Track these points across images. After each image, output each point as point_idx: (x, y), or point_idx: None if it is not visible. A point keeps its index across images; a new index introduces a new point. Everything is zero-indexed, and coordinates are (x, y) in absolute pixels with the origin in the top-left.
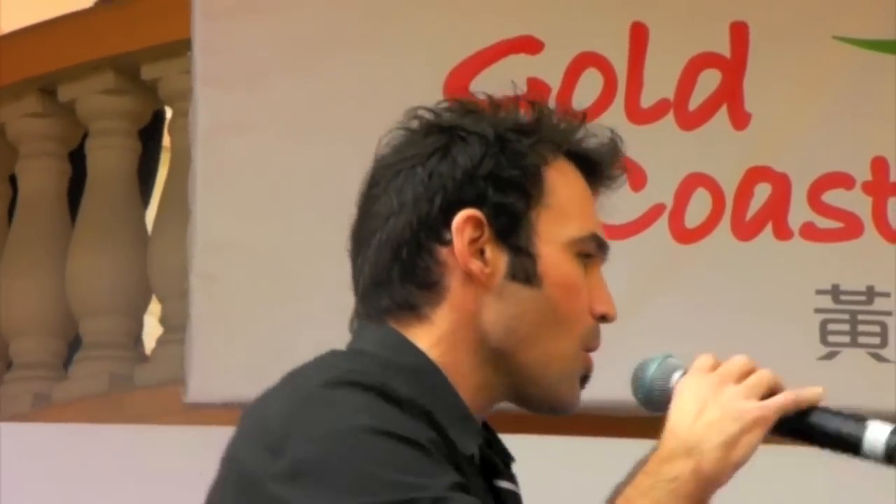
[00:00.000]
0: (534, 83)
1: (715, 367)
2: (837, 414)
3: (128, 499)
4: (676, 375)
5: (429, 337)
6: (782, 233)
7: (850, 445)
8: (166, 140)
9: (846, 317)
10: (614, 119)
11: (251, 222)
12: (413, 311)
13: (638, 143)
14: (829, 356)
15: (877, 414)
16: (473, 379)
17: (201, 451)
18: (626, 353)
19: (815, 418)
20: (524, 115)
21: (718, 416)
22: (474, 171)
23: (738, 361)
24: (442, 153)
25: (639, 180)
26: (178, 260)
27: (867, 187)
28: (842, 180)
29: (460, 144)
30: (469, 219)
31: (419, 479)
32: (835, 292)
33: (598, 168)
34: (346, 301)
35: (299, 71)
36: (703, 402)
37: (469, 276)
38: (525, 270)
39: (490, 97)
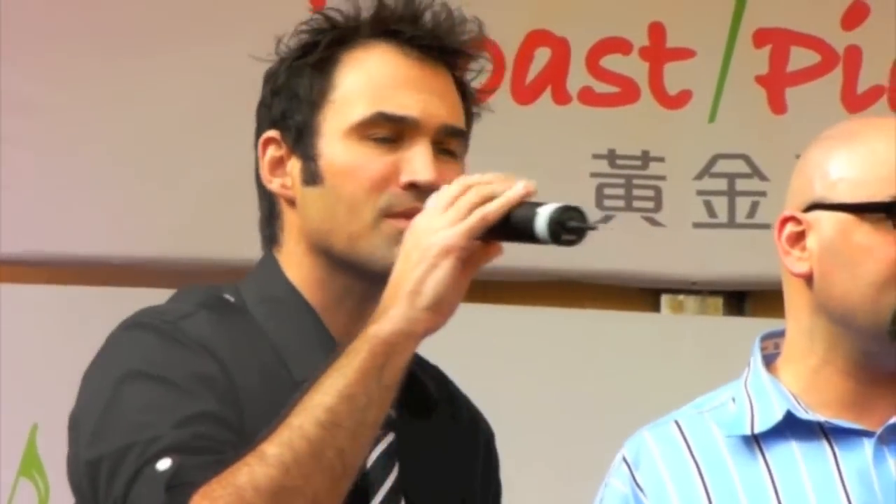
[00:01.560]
0: None
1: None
2: (525, 205)
3: None
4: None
5: (287, 261)
6: (561, 97)
7: (528, 233)
8: None
9: (621, 181)
10: None
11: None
12: (275, 241)
13: None
14: (605, 220)
15: (650, 278)
16: (328, 287)
17: None
18: None
19: (513, 218)
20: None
21: (407, 264)
22: (272, 94)
23: (448, 190)
24: (265, 83)
25: None
26: None
27: (644, 52)
28: (619, 45)
29: (270, 71)
30: (265, 142)
31: (147, 416)
32: (611, 157)
33: (401, 35)
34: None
35: None
36: (406, 249)
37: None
38: (311, 173)
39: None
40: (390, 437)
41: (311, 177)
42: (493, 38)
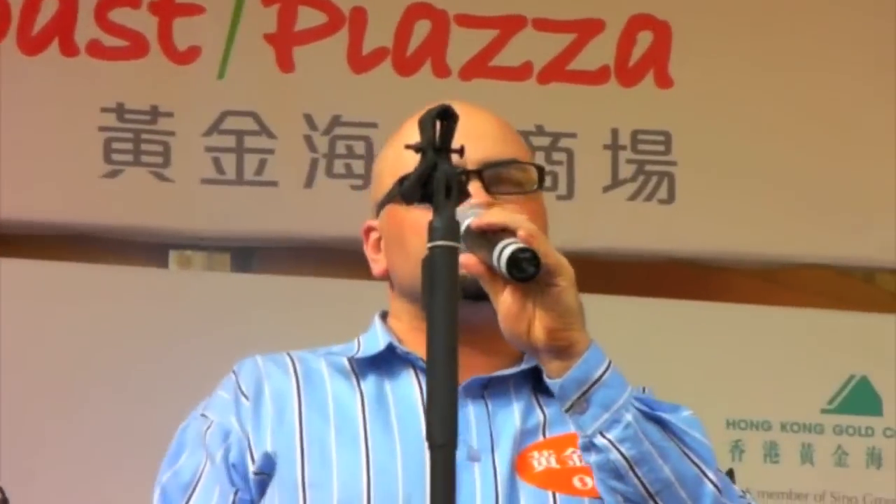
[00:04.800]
0: None
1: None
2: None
3: None
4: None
5: None
6: (68, 49)
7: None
8: None
9: (130, 136)
10: None
11: None
12: None
13: None
14: (113, 174)
15: (158, 233)
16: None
17: None
18: None
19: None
20: None
21: None
22: None
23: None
24: None
25: None
26: None
27: (153, 7)
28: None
29: None
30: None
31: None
32: (119, 111)
33: None
34: None
35: None
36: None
37: None
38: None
39: None
40: None
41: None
42: None
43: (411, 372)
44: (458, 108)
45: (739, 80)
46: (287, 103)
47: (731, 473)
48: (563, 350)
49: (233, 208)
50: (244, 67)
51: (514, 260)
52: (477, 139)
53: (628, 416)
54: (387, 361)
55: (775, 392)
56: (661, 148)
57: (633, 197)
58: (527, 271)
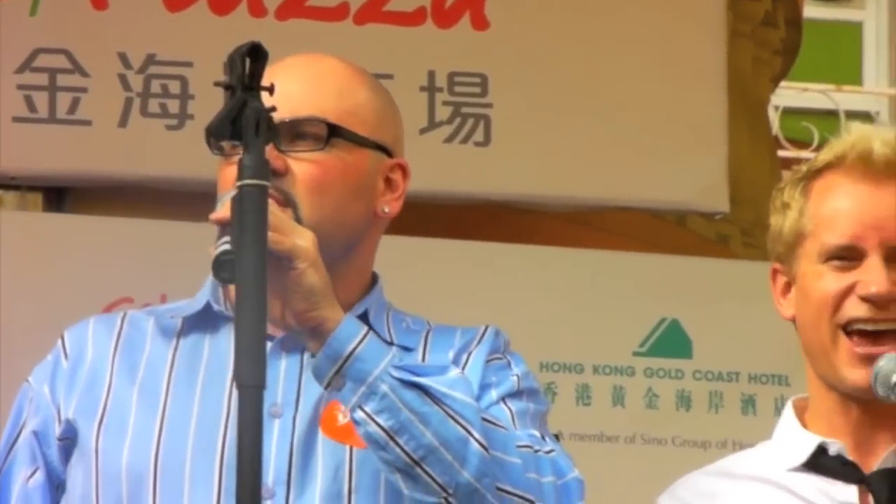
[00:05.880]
0: None
1: None
2: None
3: None
4: None
5: None
6: None
7: None
8: None
9: None
10: None
11: None
12: None
13: None
14: None
15: None
16: None
17: None
18: None
19: None
20: None
21: None
22: None
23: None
24: None
25: None
26: None
27: None
28: None
29: None
30: None
31: None
32: None
33: None
34: None
35: None
36: None
37: None
38: None
39: None
40: None
41: None
42: None
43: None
44: (279, 67)
45: (556, 22)
46: (101, 41)
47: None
48: (313, 330)
49: (45, 147)
50: (56, 4)
51: (216, 264)
52: (280, 95)
53: (384, 387)
54: (213, 318)
55: (588, 335)
56: (477, 90)
57: (449, 139)
58: (221, 277)
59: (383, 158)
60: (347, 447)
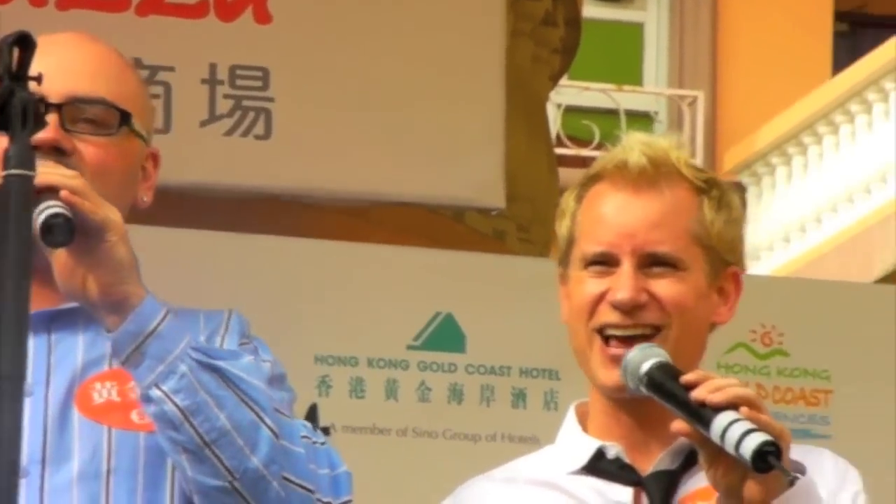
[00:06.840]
0: None
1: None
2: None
3: None
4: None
5: None
6: None
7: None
8: None
9: None
10: None
11: None
12: None
13: None
14: None
15: None
16: None
17: None
18: None
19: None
20: None
21: None
22: None
23: None
24: None
25: None
26: None
27: None
28: None
29: None
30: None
31: None
32: None
33: None
34: None
35: None
36: None
37: None
38: None
39: None
40: None
41: None
42: None
43: None
44: (62, 38)
45: (338, 18)
46: None
47: (314, 409)
48: (116, 304)
49: None
50: None
51: (45, 227)
52: (66, 72)
53: (183, 367)
54: None
55: (363, 328)
56: (258, 84)
57: (229, 132)
58: (57, 239)
59: (145, 147)
60: (105, 427)
